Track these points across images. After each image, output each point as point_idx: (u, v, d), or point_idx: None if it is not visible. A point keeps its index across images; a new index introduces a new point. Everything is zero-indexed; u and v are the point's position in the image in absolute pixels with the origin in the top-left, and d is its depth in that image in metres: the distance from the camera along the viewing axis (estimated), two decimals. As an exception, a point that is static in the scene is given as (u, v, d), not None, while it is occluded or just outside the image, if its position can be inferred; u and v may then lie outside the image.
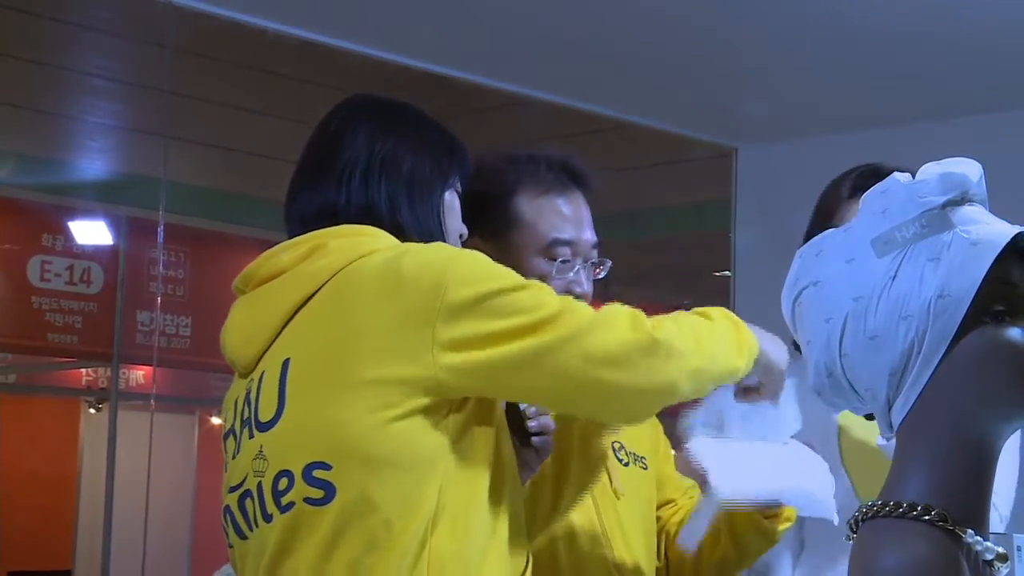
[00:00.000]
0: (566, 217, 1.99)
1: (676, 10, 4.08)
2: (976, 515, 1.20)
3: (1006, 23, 4.04)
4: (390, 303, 1.58)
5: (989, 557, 1.20)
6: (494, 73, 4.77)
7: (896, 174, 1.28)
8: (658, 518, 2.15)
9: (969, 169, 1.25)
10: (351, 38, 4.40)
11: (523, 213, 1.99)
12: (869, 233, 1.26)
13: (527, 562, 1.68)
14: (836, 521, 1.90)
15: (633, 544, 2.01)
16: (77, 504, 8.80)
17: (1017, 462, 2.15)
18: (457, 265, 1.59)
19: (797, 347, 1.79)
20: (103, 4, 5.00)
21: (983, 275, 1.19)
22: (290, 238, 1.72)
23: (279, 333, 1.66)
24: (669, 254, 8.20)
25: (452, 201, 1.80)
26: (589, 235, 2.01)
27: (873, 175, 2.15)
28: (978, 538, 1.19)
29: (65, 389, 9.15)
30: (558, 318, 1.58)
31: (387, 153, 1.74)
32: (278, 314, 1.66)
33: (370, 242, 1.66)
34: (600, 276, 2.03)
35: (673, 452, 2.25)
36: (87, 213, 7.56)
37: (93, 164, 7.22)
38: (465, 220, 1.84)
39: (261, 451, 1.63)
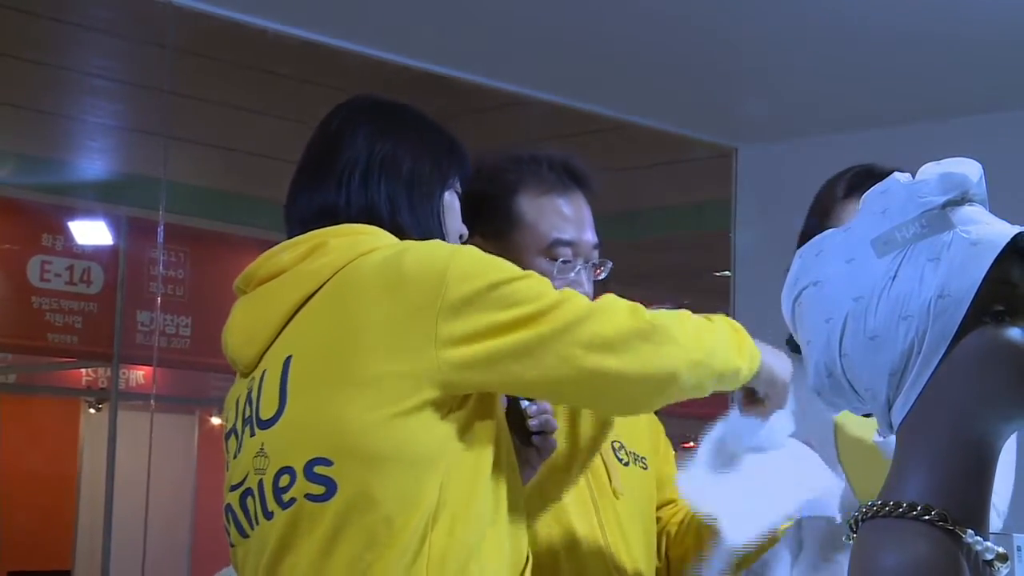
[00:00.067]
0: (567, 218, 2.00)
1: (676, 10, 4.08)
2: (976, 515, 1.20)
3: (1006, 23, 4.04)
4: (392, 300, 1.58)
5: (989, 557, 1.20)
6: (494, 73, 4.78)
7: (896, 174, 1.28)
8: (658, 518, 2.15)
9: (969, 169, 1.25)
10: (351, 38, 4.40)
11: (524, 213, 1.99)
12: (869, 233, 1.26)
13: (527, 560, 1.69)
14: (839, 519, 1.91)
15: (632, 544, 2.01)
16: (77, 504, 8.80)
17: (1014, 460, 2.15)
18: (457, 261, 1.60)
19: (793, 346, 1.80)
20: (103, 4, 5.00)
21: (983, 275, 1.19)
22: (290, 238, 1.73)
23: (280, 332, 1.67)
24: (669, 254, 8.20)
25: (452, 202, 1.80)
26: (590, 236, 2.01)
27: (868, 175, 2.16)
28: (978, 538, 1.19)
29: (65, 389, 9.15)
30: (557, 308, 1.59)
31: (387, 154, 1.74)
32: (279, 313, 1.67)
33: (370, 240, 1.67)
34: (601, 277, 2.04)
35: (673, 452, 2.26)
36: (87, 213, 7.57)
37: (93, 164, 7.23)
38: (466, 219, 1.84)
39: (262, 449, 1.64)
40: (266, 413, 1.64)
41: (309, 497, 1.58)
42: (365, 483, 1.56)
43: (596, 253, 2.02)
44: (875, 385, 1.25)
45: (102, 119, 6.51)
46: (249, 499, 1.66)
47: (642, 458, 2.11)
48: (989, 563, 1.20)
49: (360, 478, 1.56)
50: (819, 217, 2.22)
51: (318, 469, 1.57)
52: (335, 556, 1.57)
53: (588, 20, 4.17)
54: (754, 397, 1.85)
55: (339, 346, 1.60)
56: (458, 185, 1.82)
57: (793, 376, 1.83)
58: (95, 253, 7.59)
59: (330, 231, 1.68)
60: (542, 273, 1.75)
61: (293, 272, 1.67)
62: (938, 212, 1.23)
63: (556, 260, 1.97)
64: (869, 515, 1.21)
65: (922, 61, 4.37)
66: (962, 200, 1.24)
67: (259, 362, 1.69)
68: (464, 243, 1.82)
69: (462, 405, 1.61)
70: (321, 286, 1.65)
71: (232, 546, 1.74)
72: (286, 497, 1.60)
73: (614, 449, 2.06)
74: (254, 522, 1.66)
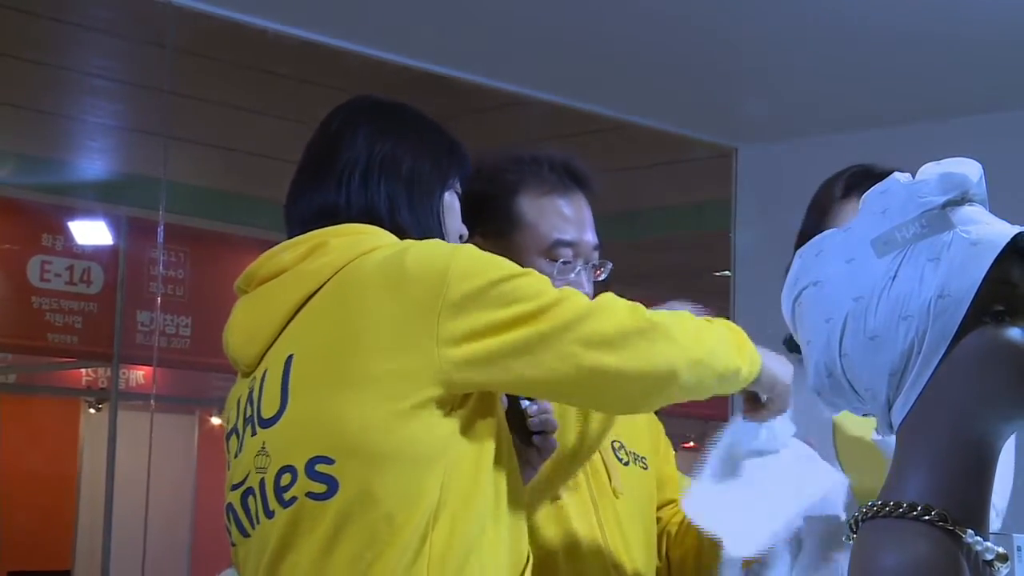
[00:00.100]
0: (568, 218, 2.00)
1: (676, 10, 4.08)
2: (976, 515, 1.20)
3: (1006, 23, 4.04)
4: (393, 298, 1.59)
5: (989, 557, 1.20)
6: (494, 73, 4.77)
7: (896, 174, 1.28)
8: (659, 519, 2.15)
9: (969, 169, 1.26)
10: (351, 38, 4.40)
11: (525, 213, 1.99)
12: (869, 233, 1.26)
13: (527, 559, 1.69)
14: (844, 517, 1.92)
15: (632, 543, 2.01)
16: (77, 504, 8.80)
17: (1013, 459, 2.15)
18: (458, 260, 1.60)
19: (791, 346, 1.80)
20: (103, 4, 5.00)
21: (983, 275, 1.19)
22: (290, 239, 1.73)
23: (281, 331, 1.67)
24: (669, 254, 8.20)
25: (452, 202, 1.80)
26: (590, 237, 2.01)
27: (866, 175, 2.16)
28: (978, 538, 1.19)
29: (65, 389, 9.15)
30: (557, 305, 1.60)
31: (386, 154, 1.75)
32: (280, 312, 1.67)
33: (371, 240, 1.67)
34: (601, 278, 2.04)
35: (674, 452, 2.26)
36: (87, 213, 7.56)
37: (93, 164, 7.22)
38: (467, 219, 1.84)
39: (264, 448, 1.64)
40: (268, 412, 1.64)
41: (310, 495, 1.58)
42: (366, 481, 1.56)
43: (596, 254, 2.03)
44: (875, 385, 1.25)
45: (102, 119, 6.51)
46: (250, 498, 1.66)
47: (642, 458, 2.11)
48: (989, 563, 1.20)
49: (361, 476, 1.56)
50: (817, 217, 2.23)
51: (319, 467, 1.58)
52: (336, 555, 1.57)
53: (588, 20, 4.17)
54: (756, 401, 1.85)
55: (341, 345, 1.60)
56: (458, 185, 1.82)
57: (792, 376, 1.83)
58: (95, 253, 7.59)
59: (331, 231, 1.69)
60: (542, 274, 1.75)
61: (294, 271, 1.68)
62: (938, 212, 1.23)
63: (556, 261, 1.97)
64: (869, 515, 1.21)
65: (922, 61, 4.37)
66: (962, 200, 1.24)
67: (260, 361, 1.69)
68: (464, 243, 1.82)
69: (463, 404, 1.61)
70: (322, 285, 1.65)
71: (233, 545, 1.74)
72: (287, 496, 1.60)
73: (614, 449, 2.06)
74: (255, 521, 1.66)
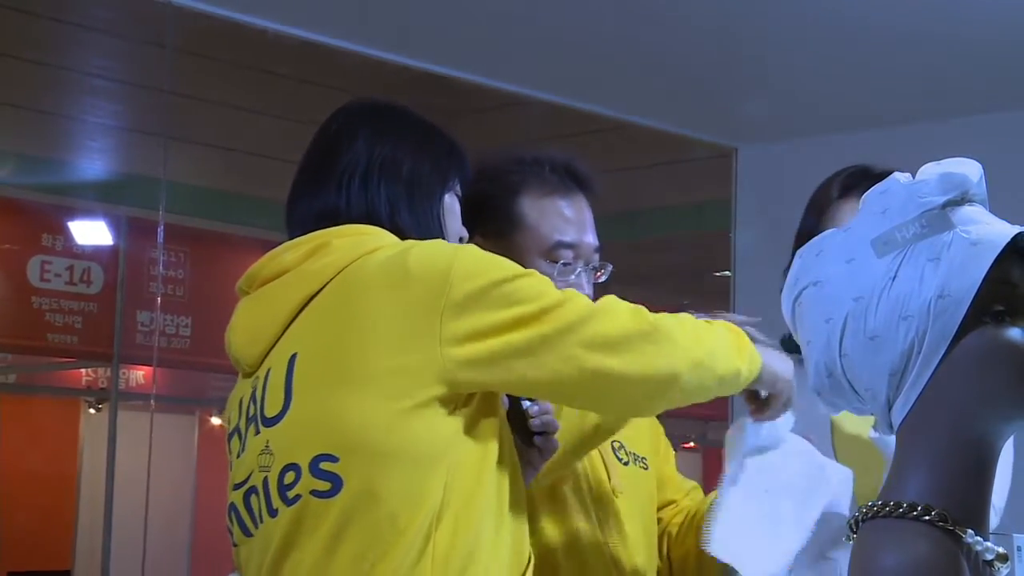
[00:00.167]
0: (569, 220, 2.00)
1: (676, 10, 4.08)
2: (976, 515, 1.20)
3: (1006, 23, 4.04)
4: (396, 297, 1.59)
5: (989, 557, 1.20)
6: (494, 73, 4.77)
7: (896, 174, 1.28)
8: (659, 519, 2.15)
9: (969, 169, 1.26)
10: (351, 38, 4.40)
11: (526, 215, 1.99)
12: (869, 233, 1.26)
13: (529, 560, 1.69)
14: (847, 513, 1.92)
15: (631, 542, 2.01)
16: (77, 504, 8.80)
17: (1012, 458, 2.15)
18: (461, 260, 1.61)
19: (788, 347, 1.81)
20: (103, 4, 5.00)
21: (983, 275, 1.19)
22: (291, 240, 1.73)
23: (284, 331, 1.67)
24: (669, 254, 8.20)
25: (452, 204, 1.81)
26: (591, 238, 2.02)
27: (863, 175, 2.17)
28: (978, 538, 1.19)
29: (65, 389, 9.15)
30: (559, 307, 1.60)
31: (386, 156, 1.75)
32: (283, 312, 1.67)
33: (373, 240, 1.68)
34: (601, 280, 2.04)
35: (674, 452, 2.26)
36: (87, 213, 7.56)
37: (93, 164, 7.22)
38: (468, 220, 1.85)
39: (267, 446, 1.64)
40: (271, 411, 1.65)
41: (315, 493, 1.59)
42: (370, 480, 1.56)
43: (597, 256, 2.03)
44: (875, 385, 1.25)
45: (102, 119, 6.51)
46: (253, 497, 1.66)
47: (642, 458, 2.12)
48: (989, 563, 1.20)
49: (365, 474, 1.56)
50: (815, 217, 2.23)
51: (324, 465, 1.58)
52: (340, 553, 1.57)
53: (588, 20, 4.17)
54: (758, 399, 1.86)
55: (344, 343, 1.60)
56: (458, 187, 1.82)
57: (793, 373, 1.84)
58: (95, 253, 7.59)
59: (333, 231, 1.69)
60: (543, 275, 1.75)
61: (297, 272, 1.68)
62: (938, 212, 1.23)
63: (557, 262, 1.97)
64: (869, 515, 1.22)
65: (922, 61, 4.37)
66: (962, 200, 1.24)
67: (263, 361, 1.69)
68: (465, 244, 1.82)
69: (466, 404, 1.62)
70: (325, 285, 1.65)
71: (235, 545, 1.74)
72: (291, 494, 1.61)
73: (614, 449, 2.07)
74: (258, 520, 1.66)
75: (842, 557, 1.98)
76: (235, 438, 1.72)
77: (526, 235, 1.98)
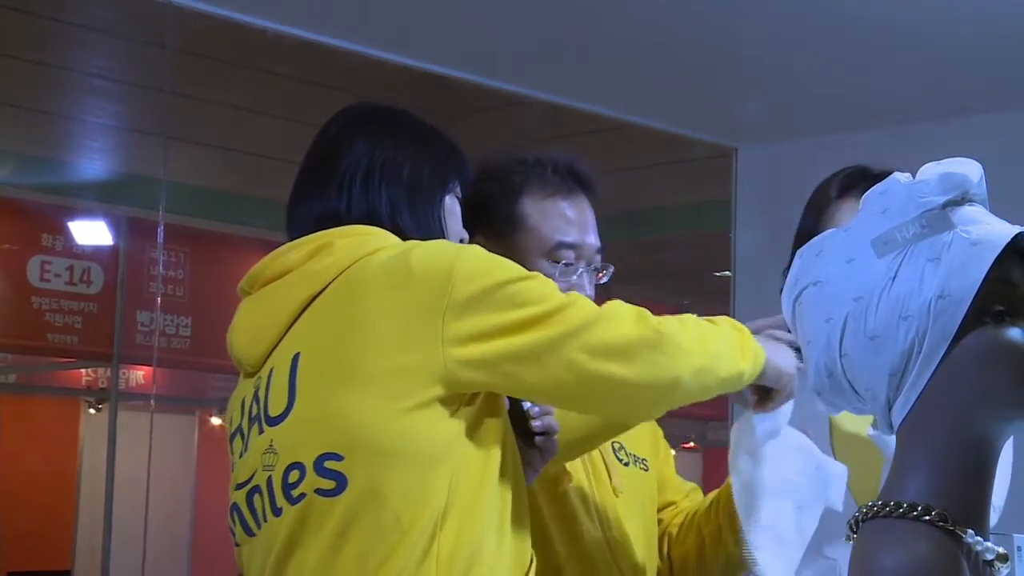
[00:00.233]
0: (570, 220, 2.00)
1: (676, 10, 4.08)
2: (976, 515, 1.20)
3: (1006, 22, 4.04)
4: (398, 297, 1.59)
5: (989, 557, 1.20)
6: (494, 73, 4.77)
7: (896, 174, 1.28)
8: (659, 520, 2.15)
9: (969, 169, 1.26)
10: (351, 38, 4.40)
11: (528, 215, 1.99)
12: (869, 233, 1.26)
13: (531, 560, 1.69)
14: (840, 508, 1.93)
15: (632, 542, 2.01)
16: (77, 504, 8.81)
17: (1011, 458, 2.16)
18: (463, 260, 1.61)
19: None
20: (103, 4, 5.00)
21: (983, 275, 1.19)
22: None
23: (287, 330, 1.67)
24: (669, 254, 8.20)
25: (452, 206, 1.81)
26: (593, 239, 2.02)
27: (862, 175, 2.18)
28: (978, 538, 1.19)
29: (65, 389, 9.15)
30: (563, 311, 1.60)
31: (387, 158, 1.75)
32: (286, 311, 1.67)
33: (375, 241, 1.68)
34: (603, 281, 2.04)
35: (673, 452, 2.26)
36: (87, 213, 7.56)
37: (93, 164, 7.22)
38: (470, 220, 1.85)
39: (271, 445, 1.64)
40: (275, 410, 1.65)
41: (319, 492, 1.59)
42: (374, 479, 1.56)
43: (599, 257, 2.03)
44: (875, 385, 1.25)
45: (102, 119, 6.51)
46: (256, 496, 1.66)
47: (643, 460, 2.12)
48: (989, 563, 1.20)
49: (370, 473, 1.56)
50: (814, 217, 2.24)
51: (328, 464, 1.58)
52: (344, 552, 1.57)
53: (588, 20, 4.17)
54: (762, 391, 1.86)
55: (346, 343, 1.61)
56: (458, 190, 1.83)
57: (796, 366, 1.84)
58: (95, 253, 7.59)
59: (335, 232, 1.69)
60: (544, 275, 1.75)
61: (299, 272, 1.68)
62: (938, 212, 1.23)
63: (559, 263, 1.97)
64: (869, 515, 1.21)
65: (922, 61, 4.37)
66: (962, 200, 1.24)
67: (265, 361, 1.69)
68: (467, 244, 1.82)
69: (469, 403, 1.62)
70: (327, 285, 1.65)
71: (237, 545, 1.74)
72: (295, 493, 1.61)
73: (614, 450, 2.07)
74: (261, 520, 1.66)
75: (842, 557, 1.98)
76: (237, 438, 1.72)
77: (528, 236, 1.98)
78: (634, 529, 2.03)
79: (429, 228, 1.75)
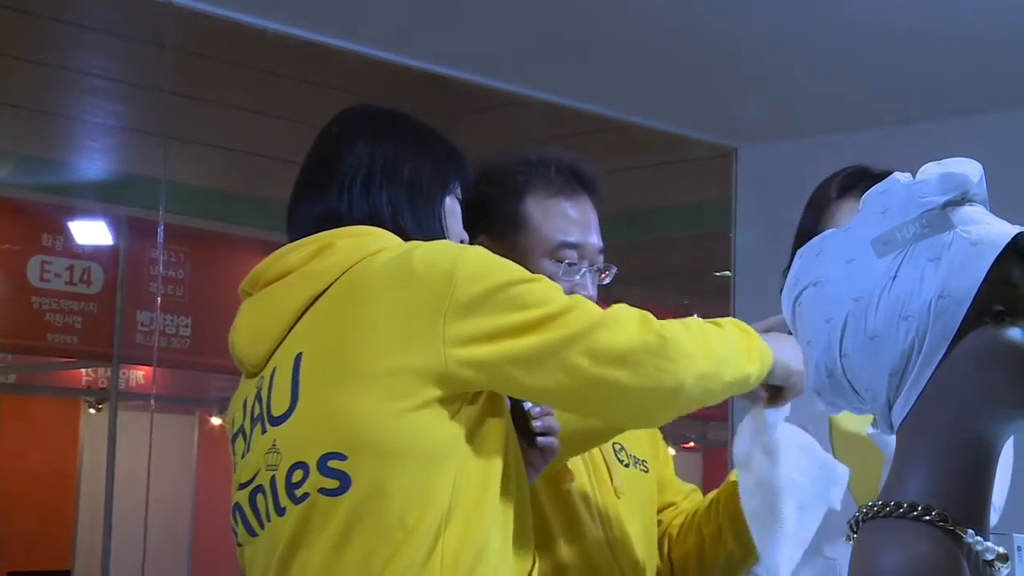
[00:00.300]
0: (573, 221, 2.00)
1: (676, 10, 4.08)
2: (976, 515, 1.20)
3: (1006, 22, 4.04)
4: (400, 297, 1.59)
5: (990, 557, 1.20)
6: (494, 73, 4.77)
7: (896, 174, 1.28)
8: (659, 521, 2.15)
9: (969, 169, 1.25)
10: (351, 38, 4.40)
11: (530, 215, 1.99)
12: (869, 233, 1.26)
13: (534, 561, 1.69)
14: (838, 508, 1.93)
15: (633, 542, 2.02)
16: (77, 504, 8.81)
17: (1012, 457, 2.16)
18: (465, 261, 1.61)
19: None
20: (103, 4, 4.99)
21: (983, 275, 1.19)
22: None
23: (289, 330, 1.67)
24: (669, 254, 8.20)
25: (453, 206, 1.81)
26: (596, 240, 2.02)
27: (861, 176, 2.18)
28: (978, 538, 1.19)
29: (65, 389, 9.15)
30: (566, 315, 1.59)
31: (388, 160, 1.76)
32: (288, 312, 1.67)
33: (377, 241, 1.68)
34: (605, 282, 2.04)
35: (673, 452, 2.26)
36: (87, 213, 7.56)
37: (93, 164, 7.22)
38: (473, 220, 1.85)
39: (275, 445, 1.64)
40: (278, 410, 1.65)
41: (323, 491, 1.59)
42: (378, 478, 1.56)
43: (601, 257, 2.03)
44: (875, 385, 1.25)
45: (102, 119, 6.51)
46: (260, 496, 1.66)
47: (643, 461, 2.12)
48: (989, 563, 1.20)
49: (373, 473, 1.57)
50: (813, 217, 2.24)
51: (332, 463, 1.58)
52: (348, 552, 1.57)
53: (588, 20, 4.16)
54: (774, 390, 1.85)
55: (350, 341, 1.61)
56: (459, 191, 1.83)
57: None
58: (95, 253, 7.59)
59: (337, 232, 1.69)
60: (547, 275, 1.76)
61: (301, 272, 1.68)
62: (938, 212, 1.23)
63: (561, 263, 1.97)
64: (869, 515, 1.21)
65: (922, 61, 4.37)
66: (962, 200, 1.24)
67: (268, 361, 1.69)
68: (470, 243, 1.82)
69: (474, 402, 1.62)
70: (329, 285, 1.65)
71: (240, 545, 1.74)
72: (299, 492, 1.61)
73: (615, 451, 2.07)
74: (264, 520, 1.66)
75: (842, 557, 1.99)
76: (240, 438, 1.72)
77: (530, 236, 1.98)
78: (635, 529, 2.03)
79: (430, 229, 1.75)
